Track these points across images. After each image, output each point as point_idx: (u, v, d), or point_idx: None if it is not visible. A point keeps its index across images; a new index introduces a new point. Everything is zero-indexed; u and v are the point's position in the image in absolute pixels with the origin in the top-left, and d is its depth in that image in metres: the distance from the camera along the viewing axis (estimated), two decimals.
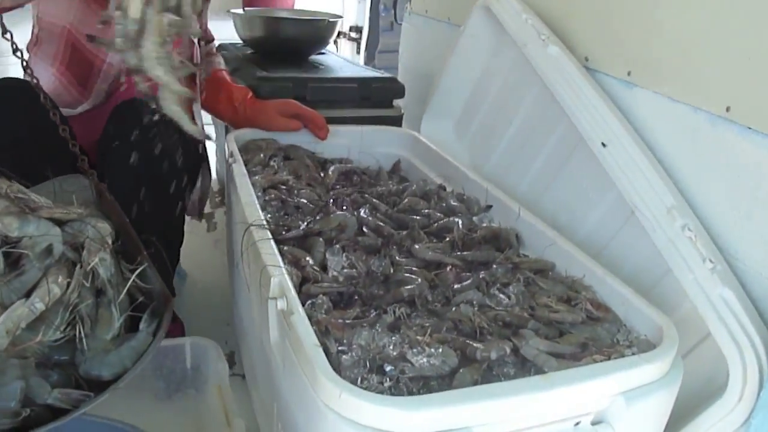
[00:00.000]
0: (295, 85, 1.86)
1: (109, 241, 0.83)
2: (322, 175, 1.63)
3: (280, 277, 1.00)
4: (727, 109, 1.12)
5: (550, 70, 1.43)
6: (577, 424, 0.88)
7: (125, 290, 0.80)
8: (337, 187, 1.60)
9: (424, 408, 0.76)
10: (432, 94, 1.86)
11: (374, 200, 1.47)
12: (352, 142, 1.79)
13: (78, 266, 0.77)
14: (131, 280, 0.80)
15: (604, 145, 1.28)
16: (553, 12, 1.53)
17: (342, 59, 2.27)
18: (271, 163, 1.63)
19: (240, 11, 2.21)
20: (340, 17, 2.12)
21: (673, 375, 0.95)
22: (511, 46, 1.60)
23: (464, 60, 1.77)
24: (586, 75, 1.39)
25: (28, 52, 1.57)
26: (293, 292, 0.98)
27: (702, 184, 1.20)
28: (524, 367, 0.94)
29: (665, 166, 1.25)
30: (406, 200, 1.51)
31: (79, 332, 0.74)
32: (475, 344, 0.94)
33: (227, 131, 2.09)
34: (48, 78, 1.55)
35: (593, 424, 0.90)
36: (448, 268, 1.21)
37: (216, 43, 1.95)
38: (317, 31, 2.10)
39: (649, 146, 1.28)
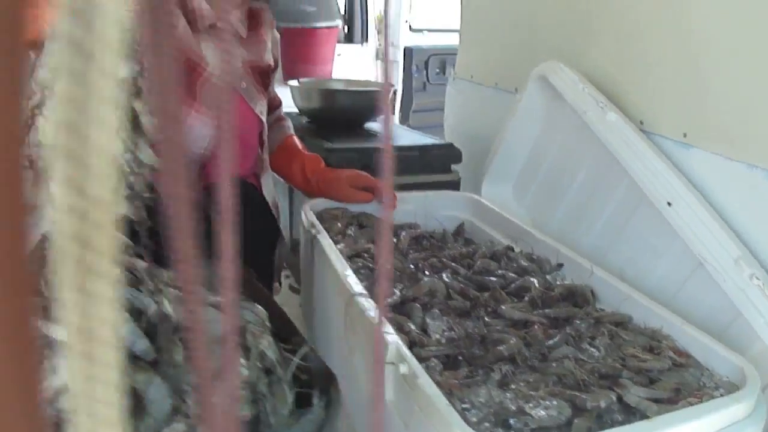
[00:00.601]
0: (361, 155, 2.03)
1: (267, 324, 0.98)
2: (395, 240, 1.79)
3: (396, 343, 1.14)
4: None
5: (611, 135, 1.59)
6: None
7: (292, 369, 0.94)
8: (410, 252, 1.76)
9: None
10: (492, 159, 2.02)
11: (453, 264, 1.62)
12: (417, 208, 1.95)
13: (250, 349, 0.91)
14: (296, 360, 0.94)
15: (669, 204, 1.44)
16: (607, 80, 1.70)
17: (395, 125, 2.45)
18: (348, 231, 1.79)
19: (296, 83, 2.40)
20: (394, 87, 2.31)
21: (759, 411, 1.08)
22: (567, 112, 1.77)
23: (521, 126, 1.94)
24: (644, 138, 1.55)
25: None
26: (413, 357, 1.12)
27: (762, 235, 1.34)
28: (629, 413, 1.08)
29: (726, 220, 1.40)
30: (478, 262, 1.66)
31: (264, 409, 0.88)
32: (583, 395, 1.08)
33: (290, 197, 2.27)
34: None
35: None
36: (535, 326, 1.36)
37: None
38: (373, 101, 2.28)
39: (709, 202, 1.43)
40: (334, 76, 3.57)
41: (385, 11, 0.86)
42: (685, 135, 1.50)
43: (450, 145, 2.16)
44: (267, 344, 0.92)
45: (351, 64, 3.87)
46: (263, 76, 1.73)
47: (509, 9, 2.25)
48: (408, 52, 4.14)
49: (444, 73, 4.22)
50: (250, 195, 1.68)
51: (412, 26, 4.19)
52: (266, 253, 1.64)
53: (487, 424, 1.01)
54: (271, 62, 1.77)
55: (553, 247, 1.64)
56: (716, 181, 1.43)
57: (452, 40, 4.34)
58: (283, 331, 1.04)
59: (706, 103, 1.46)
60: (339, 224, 1.79)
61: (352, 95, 2.33)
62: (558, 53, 1.86)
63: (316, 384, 0.95)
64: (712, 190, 1.44)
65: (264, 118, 1.73)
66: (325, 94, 2.32)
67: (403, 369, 1.10)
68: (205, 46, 1.53)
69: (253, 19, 1.72)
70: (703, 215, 1.39)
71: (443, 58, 4.23)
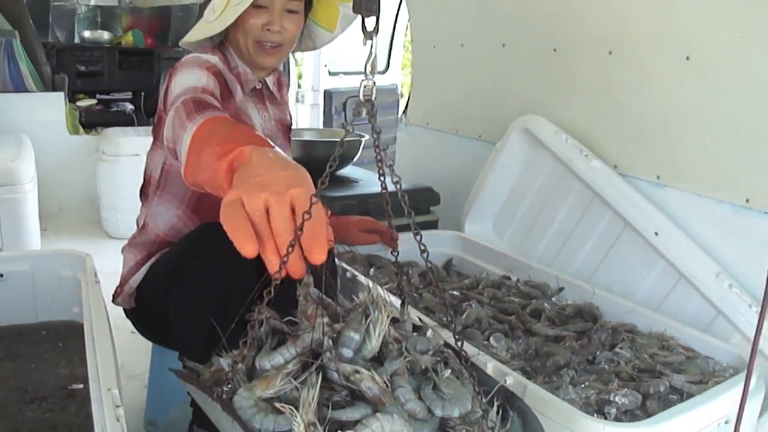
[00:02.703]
0: (359, 202, 2.43)
1: None
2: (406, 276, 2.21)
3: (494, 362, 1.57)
4: (747, 201, 1.82)
5: (597, 178, 2.10)
6: (727, 422, 1.52)
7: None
8: (420, 287, 2.18)
9: (658, 424, 1.35)
10: (473, 200, 2.48)
11: (478, 296, 2.06)
12: (410, 247, 2.37)
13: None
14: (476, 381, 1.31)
15: (656, 234, 1.96)
16: (584, 130, 2.21)
17: (362, 171, 2.87)
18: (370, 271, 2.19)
19: None
20: (364, 136, 2.72)
21: (760, 384, 1.59)
22: (548, 158, 2.27)
23: (501, 170, 2.42)
24: (625, 180, 2.07)
25: (145, 196, 1.89)
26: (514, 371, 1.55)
27: (733, 256, 1.88)
28: (677, 393, 1.57)
29: (700, 246, 1.93)
30: (485, 291, 2.11)
31: None
32: (646, 384, 1.55)
33: None
34: (169, 218, 1.82)
35: (725, 423, 1.54)
36: (567, 339, 1.82)
37: None
38: (348, 150, 2.69)
39: (685, 232, 1.96)
40: None
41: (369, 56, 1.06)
42: (658, 177, 2.03)
43: (429, 189, 2.61)
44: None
45: None
46: (286, 133, 2.04)
47: (470, 59, 2.73)
48: (328, 95, 4.59)
49: (360, 115, 4.68)
50: None
51: (330, 70, 4.64)
52: None
53: (589, 412, 1.46)
54: (290, 120, 2.10)
55: (549, 273, 2.11)
56: (689, 215, 1.96)
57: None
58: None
59: (677, 149, 1.98)
60: (360, 266, 2.18)
61: (329, 145, 2.73)
62: (528, 104, 2.37)
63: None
64: (687, 223, 1.96)
65: None
66: (304, 146, 2.70)
67: (509, 380, 1.52)
68: (250, 107, 1.86)
69: (277, 81, 2.00)
70: (685, 241, 1.91)
71: (359, 100, 4.68)
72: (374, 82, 1.13)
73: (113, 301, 1.85)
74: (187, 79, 1.56)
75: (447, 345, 1.39)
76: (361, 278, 1.99)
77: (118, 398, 1.19)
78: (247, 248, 0.90)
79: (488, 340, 1.78)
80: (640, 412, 1.50)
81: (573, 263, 2.27)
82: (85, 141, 4.35)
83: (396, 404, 1.10)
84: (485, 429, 1.12)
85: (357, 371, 1.09)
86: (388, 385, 1.11)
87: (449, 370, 1.21)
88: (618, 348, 1.75)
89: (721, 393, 1.49)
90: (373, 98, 1.16)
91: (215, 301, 1.45)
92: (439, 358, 1.26)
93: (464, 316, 1.90)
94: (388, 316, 1.19)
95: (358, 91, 1.13)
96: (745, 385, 1.30)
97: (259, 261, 0.93)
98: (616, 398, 1.50)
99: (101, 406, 1.17)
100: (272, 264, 0.92)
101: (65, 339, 1.83)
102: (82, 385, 1.60)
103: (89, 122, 5.03)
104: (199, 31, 1.75)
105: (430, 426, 1.13)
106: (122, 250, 1.89)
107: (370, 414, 1.07)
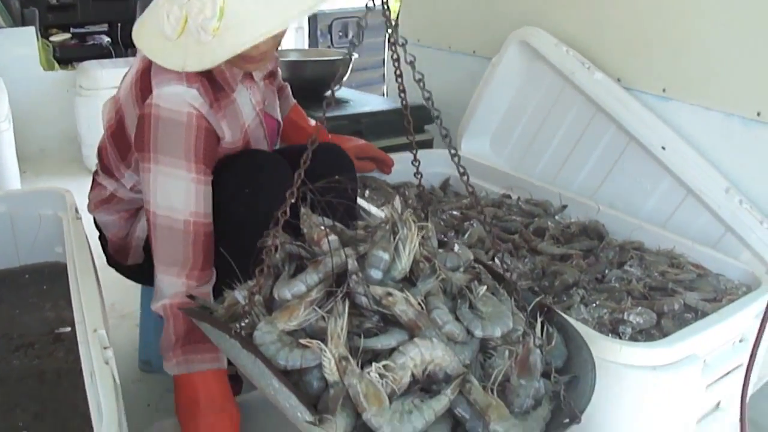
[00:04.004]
0: (351, 121, 2.34)
1: None
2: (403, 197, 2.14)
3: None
4: (758, 114, 1.75)
5: (600, 91, 2.02)
6: (742, 340, 1.47)
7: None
8: (417, 207, 2.11)
9: (675, 344, 1.31)
10: (469, 117, 2.40)
11: (479, 216, 2.00)
12: (406, 167, 2.29)
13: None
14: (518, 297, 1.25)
15: (663, 148, 1.88)
16: (585, 42, 2.12)
17: (353, 92, 2.77)
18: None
19: None
20: (355, 55, 2.61)
21: None
22: (549, 73, 2.18)
23: (499, 86, 2.33)
24: (630, 93, 1.99)
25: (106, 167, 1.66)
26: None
27: (742, 172, 1.81)
28: (691, 312, 1.52)
29: (708, 161, 1.86)
30: (485, 211, 2.05)
31: None
32: (660, 302, 1.50)
33: None
34: None
35: (740, 341, 1.50)
36: (574, 258, 1.76)
37: None
38: (338, 69, 2.58)
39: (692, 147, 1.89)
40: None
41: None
42: (664, 90, 1.94)
43: (422, 107, 2.49)
44: None
45: None
46: (273, 76, 1.86)
47: None
48: (312, 18, 4.45)
49: (346, 36, 4.60)
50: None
51: None
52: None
53: (603, 333, 1.41)
54: (277, 63, 1.90)
55: (551, 190, 2.05)
56: (697, 130, 1.88)
57: (352, 3, 4.69)
58: None
59: (683, 60, 1.89)
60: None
61: (318, 65, 2.61)
62: (525, 15, 2.27)
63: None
64: (694, 137, 1.89)
65: (281, 118, 1.88)
66: (293, 67, 2.59)
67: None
68: (240, 97, 1.62)
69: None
70: (694, 156, 1.84)
71: (345, 22, 4.62)
72: None
73: (109, 262, 1.75)
74: (169, 193, 1.40)
75: (477, 260, 1.33)
76: (361, 202, 1.92)
77: (105, 339, 1.14)
78: None
79: (493, 259, 1.72)
80: (656, 331, 1.46)
81: (576, 180, 2.21)
82: (60, 77, 4.16)
83: (433, 327, 1.04)
84: (531, 347, 1.05)
85: (389, 293, 1.02)
86: (423, 307, 1.04)
87: (484, 287, 1.15)
88: (627, 266, 1.70)
89: (737, 311, 1.44)
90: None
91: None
92: (472, 275, 1.20)
93: (466, 235, 1.84)
94: (418, 233, 1.12)
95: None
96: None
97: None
98: (630, 317, 1.45)
99: (88, 350, 1.11)
100: None
101: (50, 281, 1.76)
102: (69, 329, 1.54)
103: (64, 57, 4.79)
104: (170, 58, 1.38)
105: (471, 348, 1.07)
106: (90, 210, 1.72)
107: (406, 340, 1.01)
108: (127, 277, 1.76)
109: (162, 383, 1.84)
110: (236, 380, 1.68)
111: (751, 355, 1.30)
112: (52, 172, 3.91)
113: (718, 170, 1.83)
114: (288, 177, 1.23)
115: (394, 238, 1.11)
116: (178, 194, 1.39)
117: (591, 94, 2.05)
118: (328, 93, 1.06)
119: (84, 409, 1.04)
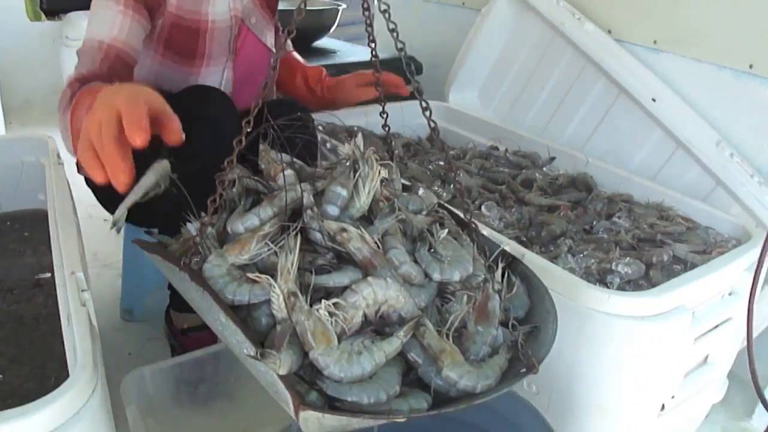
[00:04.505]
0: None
1: None
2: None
3: (488, 230, 1.48)
4: (750, 66, 1.72)
5: (591, 43, 1.98)
6: (731, 293, 1.45)
7: None
8: (405, 158, 2.08)
9: (664, 294, 1.28)
10: (457, 69, 2.36)
11: (466, 166, 1.97)
12: (393, 118, 2.25)
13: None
14: (477, 241, 1.22)
15: (653, 100, 1.85)
16: None
17: (340, 43, 2.72)
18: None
19: None
20: (342, 5, 2.56)
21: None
22: (538, 24, 2.14)
23: (487, 37, 2.28)
24: (620, 45, 1.95)
25: None
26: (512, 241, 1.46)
27: (733, 125, 1.79)
28: (680, 263, 1.50)
29: (699, 114, 1.84)
30: (472, 162, 2.02)
31: None
32: (648, 253, 1.48)
33: None
34: (148, 64, 1.63)
35: (729, 295, 1.48)
36: (562, 209, 1.74)
37: None
38: (325, 19, 2.52)
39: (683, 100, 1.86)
40: None
41: None
42: (655, 42, 1.91)
43: (410, 58, 2.45)
44: None
45: None
46: (270, 3, 1.82)
47: None
48: None
49: None
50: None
51: None
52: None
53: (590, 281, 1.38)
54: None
55: (540, 142, 2.02)
56: (688, 82, 1.85)
57: None
58: None
59: (675, 11, 1.86)
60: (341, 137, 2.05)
61: (306, 15, 2.55)
62: None
63: None
64: (685, 90, 1.86)
65: (274, 48, 1.82)
66: (279, 15, 2.52)
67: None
68: None
69: None
70: (684, 108, 1.82)
71: None
72: None
73: (106, 205, 1.71)
74: (97, 21, 1.46)
75: (441, 205, 1.29)
76: (343, 148, 1.87)
77: (83, 282, 1.10)
78: (98, 178, 0.93)
79: (480, 209, 1.69)
80: (644, 281, 1.44)
81: (564, 132, 2.18)
82: (47, 27, 4.06)
83: (389, 267, 1.00)
84: (490, 293, 1.01)
85: (344, 229, 0.98)
86: (380, 246, 1.01)
87: (446, 231, 1.11)
88: (615, 218, 1.68)
89: (727, 263, 1.42)
90: None
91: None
92: (434, 219, 1.16)
93: (452, 185, 1.81)
94: (379, 171, 1.07)
95: None
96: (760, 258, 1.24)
97: None
98: (619, 267, 1.43)
99: (65, 292, 1.07)
100: (99, 175, 0.93)
101: (31, 228, 1.72)
102: (49, 274, 1.49)
103: (51, 8, 4.69)
104: None
105: (428, 291, 1.03)
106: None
107: (360, 278, 0.96)
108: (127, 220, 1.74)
109: (143, 332, 1.82)
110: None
111: (748, 310, 1.28)
112: (38, 122, 3.88)
113: (709, 123, 1.80)
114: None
115: (355, 175, 1.06)
116: (104, 22, 1.44)
117: (581, 46, 2.01)
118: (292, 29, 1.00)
119: (61, 353, 1.01)
